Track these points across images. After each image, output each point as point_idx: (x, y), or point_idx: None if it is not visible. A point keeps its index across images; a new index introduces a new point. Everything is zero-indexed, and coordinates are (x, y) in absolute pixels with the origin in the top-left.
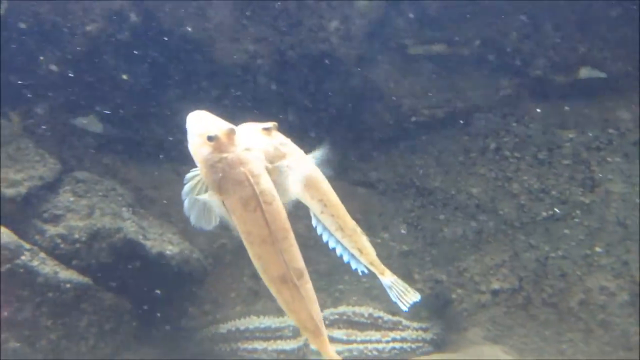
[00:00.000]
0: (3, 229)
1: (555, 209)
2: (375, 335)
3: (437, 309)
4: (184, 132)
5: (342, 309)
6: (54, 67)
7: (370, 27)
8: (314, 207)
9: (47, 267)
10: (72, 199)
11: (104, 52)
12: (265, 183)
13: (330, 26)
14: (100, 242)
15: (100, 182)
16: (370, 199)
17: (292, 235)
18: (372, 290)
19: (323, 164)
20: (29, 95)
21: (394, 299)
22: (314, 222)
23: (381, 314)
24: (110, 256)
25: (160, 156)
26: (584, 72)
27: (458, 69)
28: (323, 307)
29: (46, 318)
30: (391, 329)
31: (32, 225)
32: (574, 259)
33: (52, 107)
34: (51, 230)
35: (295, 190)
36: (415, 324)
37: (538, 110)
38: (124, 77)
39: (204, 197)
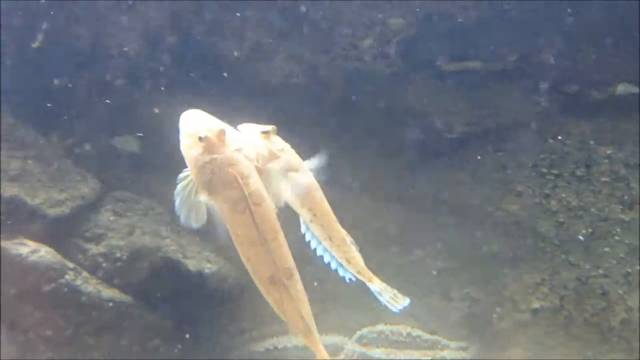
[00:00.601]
0: (47, 249)
1: (594, 227)
2: (414, 354)
3: (476, 328)
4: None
5: (380, 327)
6: (92, 88)
7: (403, 45)
8: (304, 215)
9: (90, 286)
10: (112, 218)
11: (142, 73)
12: (254, 184)
13: (363, 44)
14: (141, 260)
15: (139, 200)
16: (405, 216)
17: (281, 236)
18: (409, 309)
19: (319, 172)
20: (68, 116)
21: (384, 305)
22: (302, 229)
23: (419, 332)
24: (151, 275)
25: None
26: (621, 89)
27: (493, 85)
28: (360, 325)
29: (89, 336)
30: (430, 348)
31: (75, 244)
32: (615, 278)
33: (90, 127)
34: (93, 249)
35: (286, 195)
36: (454, 344)
37: (574, 126)
38: (155, 110)
39: (194, 196)
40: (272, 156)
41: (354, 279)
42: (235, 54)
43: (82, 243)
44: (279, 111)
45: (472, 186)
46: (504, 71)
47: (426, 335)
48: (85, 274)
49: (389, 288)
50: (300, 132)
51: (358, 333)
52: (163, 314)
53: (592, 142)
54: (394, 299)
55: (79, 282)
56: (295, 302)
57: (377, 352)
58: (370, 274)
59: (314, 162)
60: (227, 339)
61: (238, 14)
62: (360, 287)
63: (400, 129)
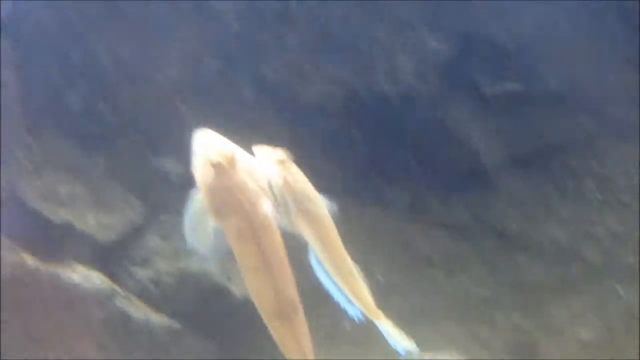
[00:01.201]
0: (98, 274)
1: None
2: None
3: (522, 358)
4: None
5: (426, 355)
6: (137, 108)
7: (443, 68)
8: (313, 246)
9: (140, 311)
10: (159, 241)
11: (183, 95)
12: (263, 213)
13: (402, 67)
14: (188, 285)
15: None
16: (445, 240)
17: (288, 268)
18: (453, 336)
19: (331, 203)
20: (113, 137)
21: (390, 344)
22: (311, 261)
23: None
24: (198, 300)
25: None
26: None
27: (534, 108)
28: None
29: None
30: None
31: (123, 268)
32: None
33: (135, 148)
34: (141, 273)
35: (295, 224)
36: None
37: (619, 150)
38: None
39: (204, 220)
40: (285, 183)
41: (361, 316)
42: (274, 75)
43: (130, 267)
44: (316, 133)
45: (515, 211)
46: (546, 94)
47: None
48: (134, 299)
49: (395, 328)
50: (337, 155)
51: None
52: (209, 339)
53: (636, 167)
54: (400, 340)
55: (129, 307)
56: (297, 337)
57: None
58: (378, 311)
59: (327, 197)
60: None
61: (278, 36)
62: (404, 316)
63: (441, 152)
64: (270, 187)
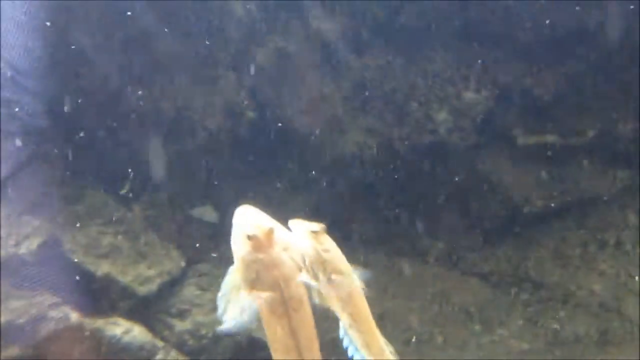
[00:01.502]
0: (139, 328)
1: None
2: None
3: None
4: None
5: None
6: (173, 160)
7: (479, 118)
8: (343, 320)
9: None
10: (196, 292)
11: (221, 146)
12: (296, 289)
13: (438, 117)
14: (226, 338)
15: (221, 274)
16: (483, 291)
17: (316, 347)
18: None
19: (364, 279)
20: (149, 188)
21: None
22: (341, 334)
23: None
24: (235, 352)
25: None
26: None
27: (571, 159)
28: None
29: None
30: None
31: (161, 320)
32: None
33: (170, 198)
34: (179, 325)
35: (327, 299)
36: None
37: None
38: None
39: (237, 293)
40: (318, 257)
41: None
42: (311, 127)
43: (168, 319)
44: (353, 185)
45: (553, 263)
46: (582, 145)
47: None
48: (173, 352)
49: None
50: (373, 205)
51: None
52: None
53: None
54: None
55: None
56: None
57: None
58: None
59: (361, 271)
60: None
61: (314, 88)
62: None
63: (478, 202)
64: (304, 261)
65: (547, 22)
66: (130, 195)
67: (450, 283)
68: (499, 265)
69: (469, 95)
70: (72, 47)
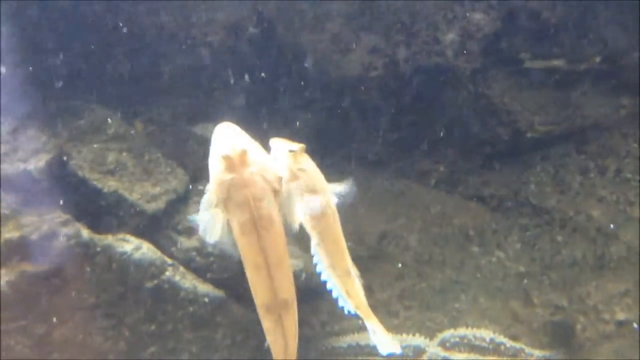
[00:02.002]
0: (148, 245)
1: None
2: None
3: (560, 337)
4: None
5: (462, 331)
6: (174, 76)
7: (486, 41)
8: (313, 238)
9: (187, 281)
10: None
11: (223, 63)
12: (265, 208)
13: (445, 39)
14: (231, 254)
15: None
16: (482, 215)
17: (286, 265)
18: (489, 312)
19: (342, 197)
20: (150, 103)
21: (375, 344)
22: (312, 251)
23: (503, 340)
24: (241, 269)
25: None
26: None
27: (576, 85)
28: (441, 327)
29: (188, 331)
30: (513, 356)
31: (169, 237)
32: None
33: (173, 114)
34: (185, 243)
35: (298, 217)
36: (537, 352)
37: None
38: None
39: (213, 211)
40: (293, 177)
41: (352, 312)
42: (315, 45)
43: (175, 236)
44: (356, 105)
45: (552, 188)
46: (588, 71)
47: (510, 343)
48: (182, 269)
49: (384, 330)
50: (377, 125)
51: (440, 336)
52: (250, 308)
53: None
54: (385, 342)
55: (177, 277)
56: (283, 335)
57: (460, 357)
58: (369, 311)
59: (339, 187)
60: (309, 330)
61: (319, 7)
62: (438, 285)
63: (481, 126)
64: (278, 180)
65: None
66: (132, 111)
67: (450, 205)
68: (499, 190)
69: (477, 17)
70: None
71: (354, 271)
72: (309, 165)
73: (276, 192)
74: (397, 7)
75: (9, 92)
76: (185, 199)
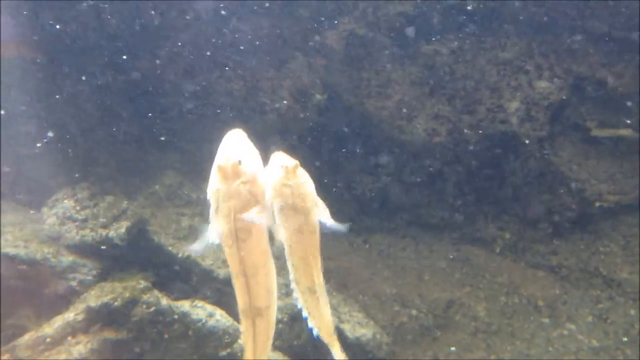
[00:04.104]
0: (221, 312)
1: None
2: None
3: None
4: None
5: None
6: None
7: (551, 108)
8: (287, 257)
9: None
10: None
11: (291, 128)
12: (245, 222)
13: (510, 107)
14: (300, 323)
15: None
16: (551, 285)
17: (262, 274)
18: None
19: (325, 222)
20: None
21: None
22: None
23: None
24: (309, 338)
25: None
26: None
27: None
28: None
29: None
30: None
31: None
32: None
33: None
34: None
35: (278, 233)
36: None
37: None
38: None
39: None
40: (277, 192)
41: (315, 333)
42: (379, 111)
43: None
44: (420, 170)
45: (623, 259)
46: None
47: None
48: None
49: (344, 356)
50: (441, 190)
51: None
52: None
53: None
54: None
55: None
56: (256, 339)
57: None
58: (332, 334)
59: (329, 220)
60: None
61: (384, 72)
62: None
63: (548, 194)
64: (263, 194)
65: (623, 11)
66: (202, 176)
67: (517, 274)
68: (568, 259)
69: (542, 85)
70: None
71: (321, 291)
72: (300, 181)
73: (261, 206)
74: (460, 75)
75: (84, 157)
76: None
